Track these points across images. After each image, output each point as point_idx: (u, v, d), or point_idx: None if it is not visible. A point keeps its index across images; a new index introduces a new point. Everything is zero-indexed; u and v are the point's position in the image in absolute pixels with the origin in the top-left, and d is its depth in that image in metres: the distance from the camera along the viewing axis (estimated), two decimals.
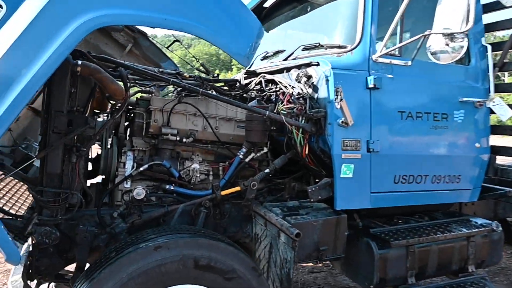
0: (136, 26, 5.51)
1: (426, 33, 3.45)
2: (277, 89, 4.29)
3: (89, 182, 4.14)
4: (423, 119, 3.96)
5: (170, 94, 4.90)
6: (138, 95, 4.46)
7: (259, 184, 4.28)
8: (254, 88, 4.71)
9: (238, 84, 4.86)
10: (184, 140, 4.22)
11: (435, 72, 4.09)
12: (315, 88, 3.81)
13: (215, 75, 4.74)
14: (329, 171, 3.80)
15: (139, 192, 3.54)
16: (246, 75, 4.82)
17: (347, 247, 3.77)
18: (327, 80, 3.64)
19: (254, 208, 4.04)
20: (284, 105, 3.95)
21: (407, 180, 3.96)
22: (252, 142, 4.15)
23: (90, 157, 4.28)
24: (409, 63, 3.83)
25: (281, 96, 4.14)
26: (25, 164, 3.35)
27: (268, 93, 4.43)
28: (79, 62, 3.20)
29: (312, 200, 3.70)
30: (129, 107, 4.48)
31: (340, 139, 3.63)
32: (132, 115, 4.47)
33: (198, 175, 4.24)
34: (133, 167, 3.96)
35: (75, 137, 3.32)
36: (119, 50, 5.57)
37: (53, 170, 3.20)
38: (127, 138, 4.39)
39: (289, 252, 3.40)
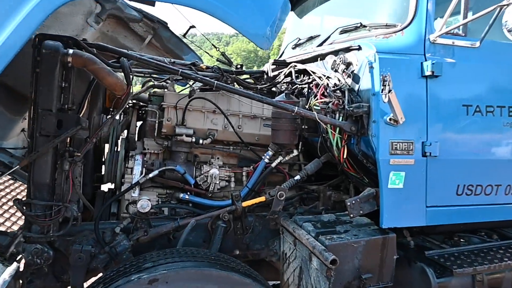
0: (156, 16, 5.05)
1: (504, 2, 2.64)
2: (310, 80, 3.60)
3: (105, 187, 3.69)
4: (495, 115, 3.14)
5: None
6: (151, 90, 3.94)
7: (289, 192, 3.64)
8: (284, 81, 4.05)
9: (265, 76, 4.22)
10: (202, 141, 3.64)
11: (511, 55, 3.25)
12: (356, 78, 3.09)
13: (238, 66, 4.13)
14: (374, 180, 3.08)
15: (144, 204, 3.00)
16: (274, 66, 4.17)
17: (396, 274, 3.04)
18: (371, 68, 2.92)
19: (282, 222, 3.40)
20: (317, 99, 3.27)
21: (474, 191, 3.16)
22: (279, 143, 3.51)
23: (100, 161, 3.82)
24: (477, 44, 3.02)
25: (314, 89, 3.46)
26: (13, 169, 2.89)
27: (300, 86, 3.76)
28: (70, 51, 2.69)
29: (351, 216, 3.00)
30: (141, 103, 3.97)
31: (388, 141, 2.90)
32: (144, 113, 3.96)
33: (218, 182, 3.66)
34: (141, 173, 3.44)
35: (68, 141, 2.81)
36: (139, 43, 5.10)
37: (41, 180, 2.72)
38: (138, 139, 3.88)
39: (322, 282, 2.74)
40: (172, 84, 3.80)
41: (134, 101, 3.94)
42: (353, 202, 2.98)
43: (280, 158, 3.60)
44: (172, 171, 3.54)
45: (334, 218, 3.37)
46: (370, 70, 2.93)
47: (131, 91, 2.95)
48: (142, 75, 3.66)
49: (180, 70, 2.96)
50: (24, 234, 2.76)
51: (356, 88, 3.10)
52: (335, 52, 3.33)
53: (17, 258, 2.91)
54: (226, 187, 3.80)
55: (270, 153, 3.58)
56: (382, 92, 2.65)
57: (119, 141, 3.70)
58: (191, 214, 3.48)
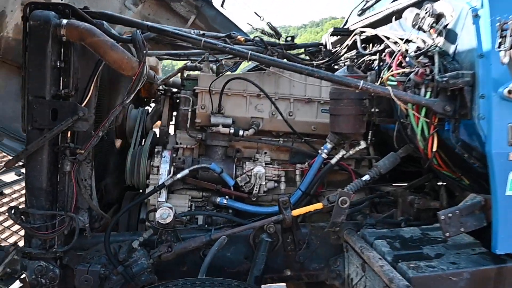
0: None
1: None
2: (382, 48, 2.70)
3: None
4: None
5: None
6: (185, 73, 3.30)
7: (356, 195, 2.80)
8: (347, 55, 3.18)
9: (323, 50, 3.37)
10: (243, 132, 2.93)
11: None
12: (451, 35, 2.15)
13: (289, 38, 3.33)
14: (480, 183, 2.14)
15: (164, 214, 2.36)
16: (334, 36, 3.30)
17: None
18: (476, 16, 1.97)
19: (345, 236, 2.57)
20: (392, 71, 2.37)
21: None
22: (340, 133, 2.67)
23: None
24: None
25: (387, 59, 2.55)
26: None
27: (368, 58, 2.87)
28: (64, 21, 2.12)
29: (447, 234, 2.08)
30: (173, 90, 3.35)
31: (506, 126, 1.94)
32: (178, 101, 3.34)
33: (264, 183, 2.93)
34: (169, 172, 2.81)
35: (69, 135, 2.26)
36: (182, 25, 4.52)
37: (37, 184, 2.20)
38: (170, 132, 3.28)
39: None
40: (207, 64, 3.13)
41: (165, 87, 3.34)
42: (450, 215, 2.06)
43: (342, 152, 2.75)
44: (206, 170, 2.88)
45: (419, 233, 2.46)
46: (474, 20, 1.97)
47: (145, 70, 2.31)
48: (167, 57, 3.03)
49: (203, 39, 2.25)
50: (23, 249, 2.27)
51: (452, 50, 2.15)
52: (418, 4, 2.38)
53: (21, 277, 2.43)
54: (274, 189, 3.05)
55: (328, 146, 2.75)
56: (499, 47, 1.70)
57: (149, 135, 3.12)
58: (230, 223, 2.79)
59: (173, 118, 3.49)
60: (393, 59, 2.42)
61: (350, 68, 2.52)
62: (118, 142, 3.29)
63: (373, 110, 2.57)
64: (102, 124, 2.28)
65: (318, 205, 2.58)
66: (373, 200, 2.97)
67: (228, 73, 3.31)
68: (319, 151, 2.77)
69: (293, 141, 3.17)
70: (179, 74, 3.38)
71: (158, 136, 3.22)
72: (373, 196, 3.03)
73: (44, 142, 2.11)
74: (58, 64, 2.17)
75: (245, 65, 4.82)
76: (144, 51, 2.29)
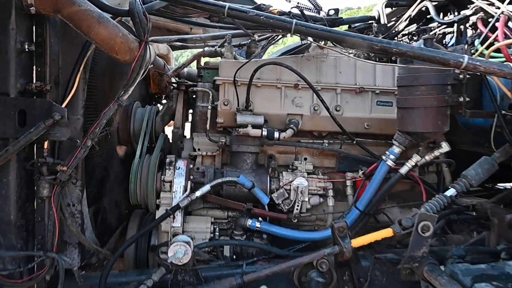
0: None
1: None
2: (469, 13, 1.98)
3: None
4: None
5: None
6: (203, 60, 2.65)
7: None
8: (408, 30, 2.46)
9: (375, 25, 2.66)
10: (279, 135, 2.26)
11: None
12: None
13: (331, 11, 2.63)
14: None
15: (179, 253, 1.72)
16: (390, 8, 2.59)
17: None
18: None
19: (427, 274, 1.87)
20: (491, 42, 1.66)
21: None
22: (415, 133, 1.96)
23: None
24: None
25: (480, 26, 1.84)
26: None
27: (445, 26, 2.15)
28: None
29: None
30: (189, 83, 2.71)
31: None
32: (194, 96, 2.70)
33: (307, 199, 2.26)
34: (185, 189, 2.17)
35: (46, 146, 1.63)
36: None
37: (2, 216, 1.58)
38: (186, 135, 2.64)
39: None
40: (229, 48, 2.46)
41: (178, 79, 2.70)
42: None
43: (416, 158, 2.05)
44: (233, 184, 2.23)
45: None
46: None
47: (148, 54, 1.67)
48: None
49: (227, 6, 1.58)
50: None
51: None
52: None
53: None
54: (319, 206, 2.38)
55: (396, 150, 2.05)
56: None
57: (160, 140, 2.48)
58: (266, 254, 2.14)
59: (189, 117, 2.86)
60: (493, 24, 1.71)
61: (429, 41, 1.80)
62: (121, 149, 2.66)
63: (461, 99, 1.85)
64: (90, 130, 1.64)
65: (387, 232, 1.90)
66: (457, 218, 2.26)
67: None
68: (383, 157, 2.08)
69: (341, 143, 2.48)
70: (195, 63, 2.73)
71: (170, 141, 2.58)
72: (449, 211, 2.32)
73: (7, 157, 1.48)
74: (27, 46, 1.54)
75: (270, 53, 4.15)
76: (147, 27, 1.64)
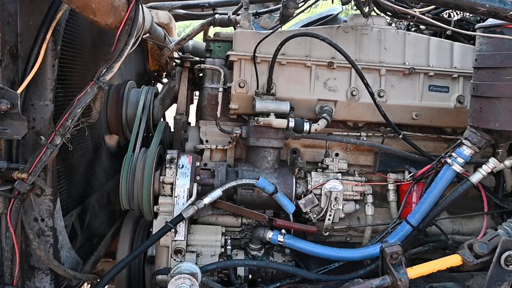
0: None
1: None
2: None
3: None
4: None
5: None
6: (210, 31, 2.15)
7: None
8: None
9: None
10: (309, 126, 1.78)
11: None
12: None
13: None
14: None
15: (183, 286, 1.27)
16: None
17: None
18: None
19: None
20: None
21: None
22: (499, 131, 1.47)
23: None
24: None
25: None
26: None
27: None
28: None
29: None
30: (195, 59, 2.22)
31: None
32: (200, 75, 2.22)
33: (341, 207, 1.80)
34: (190, 193, 1.71)
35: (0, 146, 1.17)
36: None
37: None
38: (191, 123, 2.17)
39: None
40: (246, 15, 1.95)
41: (182, 55, 2.20)
42: None
43: (493, 163, 1.56)
44: (250, 187, 1.77)
45: None
46: None
47: (140, 17, 1.18)
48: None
49: None
50: None
51: None
52: None
53: None
54: (354, 214, 1.93)
55: (467, 151, 1.56)
56: None
57: (159, 129, 2.01)
58: (291, 278, 1.71)
59: (194, 101, 2.38)
60: None
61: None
62: (111, 139, 2.20)
63: None
64: (59, 122, 1.17)
65: (454, 260, 1.46)
66: None
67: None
68: (448, 160, 1.60)
69: (383, 137, 2.01)
70: (202, 35, 2.23)
71: (172, 130, 2.11)
72: None
73: None
74: None
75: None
76: None
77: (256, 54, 1.84)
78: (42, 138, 1.17)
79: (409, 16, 1.91)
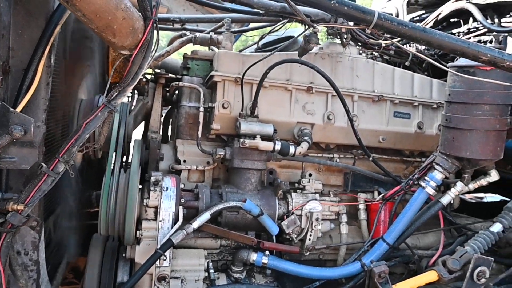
0: None
1: None
2: None
3: None
4: None
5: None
6: (187, 48, 2.12)
7: None
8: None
9: None
10: (295, 150, 1.84)
11: None
12: None
13: None
14: None
15: None
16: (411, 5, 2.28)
17: None
18: None
19: None
20: None
21: None
22: (470, 160, 1.64)
23: None
24: None
25: None
26: None
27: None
28: None
29: None
30: (170, 76, 2.16)
31: None
32: (176, 92, 2.17)
33: (319, 227, 1.87)
34: (177, 217, 1.66)
35: None
36: None
37: None
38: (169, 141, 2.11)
39: None
40: (228, 35, 1.96)
41: (156, 70, 2.13)
42: None
43: (460, 187, 1.74)
44: (235, 210, 1.77)
45: None
46: None
47: (155, 39, 1.15)
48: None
49: None
50: None
51: None
52: None
53: None
54: (326, 233, 2.01)
55: (438, 176, 1.73)
56: None
57: (133, 147, 1.91)
58: None
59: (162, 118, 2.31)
60: None
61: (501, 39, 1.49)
62: (77, 156, 2.04)
63: None
64: (64, 147, 1.07)
65: (431, 276, 1.60)
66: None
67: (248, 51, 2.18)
68: (422, 183, 1.75)
69: (354, 159, 2.13)
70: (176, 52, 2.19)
71: (149, 148, 2.02)
72: (463, 238, 2.09)
73: None
74: None
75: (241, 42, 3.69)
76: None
77: (238, 76, 1.85)
78: (43, 166, 1.05)
79: (376, 47, 2.08)
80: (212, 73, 1.88)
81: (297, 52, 1.92)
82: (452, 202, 2.27)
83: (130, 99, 2.11)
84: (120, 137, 1.79)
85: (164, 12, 3.21)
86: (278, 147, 1.80)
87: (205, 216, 1.66)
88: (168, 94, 2.20)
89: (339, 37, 1.89)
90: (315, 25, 1.48)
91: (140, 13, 1.10)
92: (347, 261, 1.87)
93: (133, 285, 1.47)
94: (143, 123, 2.24)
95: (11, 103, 1.10)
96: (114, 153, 1.73)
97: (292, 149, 1.82)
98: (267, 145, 1.79)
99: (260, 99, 1.92)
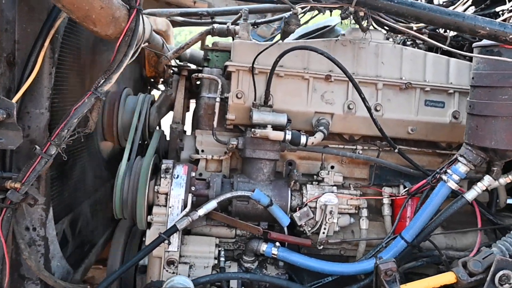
0: None
1: None
2: None
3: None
4: None
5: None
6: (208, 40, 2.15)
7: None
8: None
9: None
10: (307, 140, 1.78)
11: None
12: None
13: None
14: None
15: None
16: None
17: None
18: None
19: None
20: None
21: None
22: (494, 150, 1.48)
23: None
24: None
25: None
26: None
27: None
28: None
29: None
30: (192, 68, 2.22)
31: None
32: (198, 83, 2.21)
33: (336, 220, 1.80)
34: (185, 204, 1.70)
35: None
36: None
37: None
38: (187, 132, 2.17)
39: None
40: (245, 26, 1.95)
41: (179, 62, 2.20)
42: None
43: (488, 181, 1.57)
44: (245, 199, 1.76)
45: None
46: None
47: (140, 27, 1.18)
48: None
49: None
50: None
51: None
52: None
53: None
54: (348, 227, 1.92)
55: (462, 168, 1.57)
56: None
57: (154, 137, 2.00)
58: None
59: (191, 110, 2.37)
60: None
61: None
62: (106, 145, 2.18)
63: None
64: (55, 132, 1.15)
65: (448, 278, 1.46)
66: None
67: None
68: (444, 176, 1.60)
69: (378, 151, 2.01)
70: (200, 43, 2.23)
71: (168, 138, 2.10)
72: None
73: None
74: None
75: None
76: None
77: (254, 65, 1.84)
78: (37, 148, 1.15)
79: (464, 33, 1.92)
80: (227, 63, 1.89)
81: (317, 40, 1.86)
82: (498, 200, 2.07)
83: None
84: (138, 127, 1.88)
85: (205, 7, 3.29)
86: (288, 136, 1.76)
87: (212, 204, 1.68)
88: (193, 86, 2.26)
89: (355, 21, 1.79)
90: (295, 6, 1.42)
91: (122, 2, 1.14)
92: (364, 257, 1.78)
93: (133, 265, 1.54)
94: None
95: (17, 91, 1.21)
96: (130, 143, 1.81)
97: (303, 139, 1.77)
98: (277, 135, 1.76)
99: (275, 88, 1.90)
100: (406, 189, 1.88)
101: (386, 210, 1.95)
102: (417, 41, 2.23)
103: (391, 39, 2.04)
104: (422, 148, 2.08)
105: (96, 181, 2.11)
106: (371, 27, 1.96)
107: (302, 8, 1.44)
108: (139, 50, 1.24)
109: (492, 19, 0.98)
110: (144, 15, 1.20)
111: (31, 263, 1.27)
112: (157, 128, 2.13)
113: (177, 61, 2.31)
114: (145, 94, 2.05)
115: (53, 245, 1.43)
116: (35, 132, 1.29)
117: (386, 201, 1.96)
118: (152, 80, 2.82)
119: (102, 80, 1.17)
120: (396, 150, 1.93)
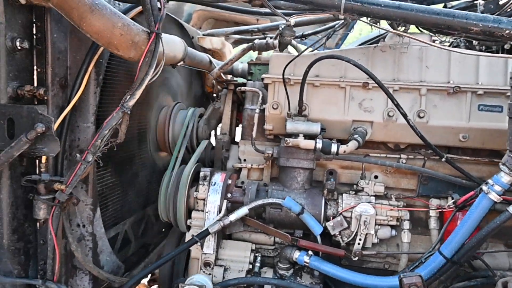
0: None
1: None
2: None
3: None
4: None
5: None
6: (246, 54, 2.27)
7: None
8: None
9: (481, 1, 1.99)
10: (338, 148, 1.77)
11: None
12: None
13: None
14: None
15: None
16: None
17: None
18: None
19: None
20: None
21: None
22: None
23: None
24: None
25: None
26: None
27: None
28: None
29: None
30: (239, 81, 2.35)
31: None
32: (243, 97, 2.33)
33: (373, 232, 1.74)
34: (220, 209, 1.81)
35: (44, 160, 1.40)
36: None
37: None
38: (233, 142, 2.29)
39: None
40: (287, 34, 2.01)
41: (231, 76, 2.35)
42: None
43: None
44: (278, 206, 1.81)
45: None
46: None
47: (158, 49, 1.33)
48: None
49: None
50: None
51: None
52: None
53: None
54: (392, 240, 1.84)
55: (505, 179, 1.41)
56: None
57: (199, 147, 2.16)
58: None
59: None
60: None
61: None
62: (161, 157, 2.41)
63: None
64: (90, 143, 1.36)
65: None
66: None
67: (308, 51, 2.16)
68: (484, 187, 1.46)
69: (424, 160, 1.90)
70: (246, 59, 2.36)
71: (215, 148, 2.25)
72: None
73: None
74: (19, 44, 1.30)
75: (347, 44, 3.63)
76: (160, 14, 1.31)
77: (289, 77, 1.89)
78: (77, 156, 1.37)
79: (456, 32, 1.80)
80: (263, 75, 1.97)
81: (354, 48, 1.84)
82: None
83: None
84: (185, 138, 2.06)
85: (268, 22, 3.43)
86: (319, 145, 1.77)
87: (243, 210, 1.76)
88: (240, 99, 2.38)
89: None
90: (288, 18, 1.43)
91: (141, 28, 1.31)
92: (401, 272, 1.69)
93: (166, 263, 1.68)
94: None
95: None
96: (177, 151, 1.99)
97: (334, 148, 1.76)
98: (307, 143, 1.78)
99: (311, 98, 1.92)
100: (453, 200, 1.73)
101: (433, 223, 1.82)
102: (473, 42, 2.05)
103: (437, 41, 1.91)
104: (482, 158, 1.90)
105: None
106: (416, 30, 1.88)
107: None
108: (161, 68, 1.40)
109: (485, 14, 0.90)
110: (161, 37, 1.35)
111: (78, 254, 1.49)
112: (204, 140, 2.29)
113: (230, 75, 2.46)
114: (194, 108, 2.23)
115: (101, 241, 1.65)
116: (84, 143, 1.52)
117: (433, 213, 1.82)
118: (213, 95, 3.02)
119: (128, 96, 1.34)
120: (443, 159, 1.80)
